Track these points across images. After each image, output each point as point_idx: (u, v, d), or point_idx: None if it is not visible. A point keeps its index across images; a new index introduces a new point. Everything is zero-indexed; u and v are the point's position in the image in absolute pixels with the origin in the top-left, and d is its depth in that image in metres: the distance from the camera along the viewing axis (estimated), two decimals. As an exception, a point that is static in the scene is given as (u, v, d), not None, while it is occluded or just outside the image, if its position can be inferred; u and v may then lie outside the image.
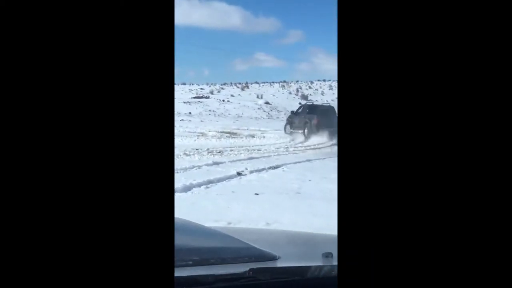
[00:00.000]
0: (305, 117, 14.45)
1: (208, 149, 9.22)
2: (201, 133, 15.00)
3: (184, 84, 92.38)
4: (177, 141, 11.11)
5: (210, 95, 69.61)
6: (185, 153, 8.29)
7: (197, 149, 9.06)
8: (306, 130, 13.95)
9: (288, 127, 15.32)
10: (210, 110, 49.91)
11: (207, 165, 6.84)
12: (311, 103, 16.70)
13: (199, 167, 6.61)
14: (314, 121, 13.89)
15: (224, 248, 1.03)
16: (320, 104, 16.44)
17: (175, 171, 5.96)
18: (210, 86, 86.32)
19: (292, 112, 16.03)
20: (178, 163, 6.84)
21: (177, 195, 4.53)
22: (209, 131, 15.97)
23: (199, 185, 5.12)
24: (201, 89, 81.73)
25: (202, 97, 64.21)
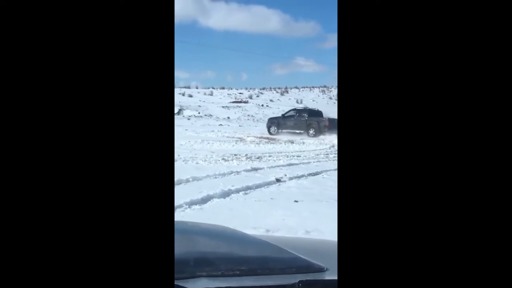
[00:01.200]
0: (308, 119, 16.72)
1: (246, 154, 9.28)
2: (239, 138, 15.13)
3: (223, 88, 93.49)
4: (216, 146, 11.27)
5: (249, 100, 70.12)
6: (223, 158, 8.38)
7: (235, 155, 9.13)
8: (311, 131, 16.23)
9: (273, 128, 17.31)
10: (249, 115, 50.25)
11: (246, 170, 6.88)
12: (302, 107, 19.30)
13: (238, 172, 6.66)
14: (325, 123, 15.95)
15: (272, 258, 1.02)
16: (310, 108, 19.33)
17: (214, 176, 6.04)
18: (249, 91, 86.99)
19: (284, 115, 18.11)
20: (216, 168, 6.93)
21: (215, 201, 4.58)
22: (248, 136, 16.07)
23: (238, 191, 5.15)
24: (240, 93, 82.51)
25: (240, 102, 64.79)
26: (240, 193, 5.09)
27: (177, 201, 4.40)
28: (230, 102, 62.56)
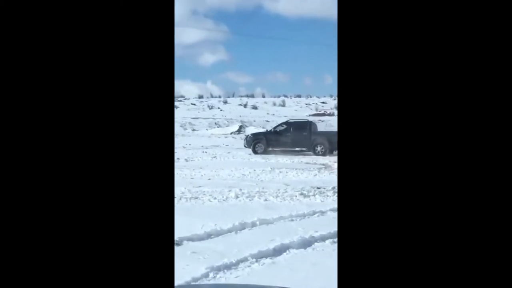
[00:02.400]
0: (312, 134, 18.85)
1: (334, 187, 9.21)
2: (323, 164, 15.08)
3: (299, 96, 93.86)
4: (291, 176, 11.28)
5: (335, 112, 69.83)
6: (302, 193, 8.37)
7: (318, 188, 9.10)
8: (319, 148, 18.29)
9: (260, 145, 18.93)
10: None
11: (333, 210, 6.83)
12: (293, 120, 20.99)
13: (323, 213, 6.63)
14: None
15: None
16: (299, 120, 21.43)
17: (290, 219, 6.07)
18: (334, 99, 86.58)
19: (275, 130, 19.97)
20: (294, 207, 6.96)
21: (293, 252, 4.60)
22: (335, 162, 15.97)
23: (324, 238, 5.12)
24: (323, 103, 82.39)
25: (324, 115, 64.71)
26: (327, 241, 5.04)
27: (240, 253, 4.49)
28: (310, 115, 62.79)
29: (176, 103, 53.14)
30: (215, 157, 16.95)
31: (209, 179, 10.39)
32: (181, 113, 45.05)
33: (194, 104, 53.79)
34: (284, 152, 18.48)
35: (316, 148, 18.39)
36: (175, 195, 7.88)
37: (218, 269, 4.13)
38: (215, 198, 7.73)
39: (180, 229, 5.46)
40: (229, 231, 5.50)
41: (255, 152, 18.55)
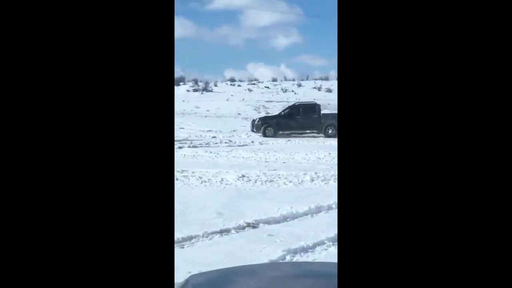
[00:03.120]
0: (323, 116, 19.25)
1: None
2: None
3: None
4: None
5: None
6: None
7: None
8: (330, 131, 18.59)
9: (270, 129, 19.00)
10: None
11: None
12: (300, 102, 21.72)
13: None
14: None
15: None
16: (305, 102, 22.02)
17: None
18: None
19: (284, 113, 20.23)
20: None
21: None
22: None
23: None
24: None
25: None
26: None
27: (317, 236, 4.48)
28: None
29: (250, 87, 53.39)
30: (289, 140, 16.97)
31: (284, 162, 10.43)
32: (255, 96, 45.25)
33: (268, 87, 53.83)
34: (294, 135, 18.61)
35: (327, 130, 18.79)
36: (250, 178, 7.99)
37: (295, 251, 4.16)
38: (290, 181, 7.76)
39: (256, 212, 5.53)
40: (305, 214, 5.51)
41: (265, 135, 18.86)
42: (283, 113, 20.27)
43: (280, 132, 18.98)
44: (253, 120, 20.57)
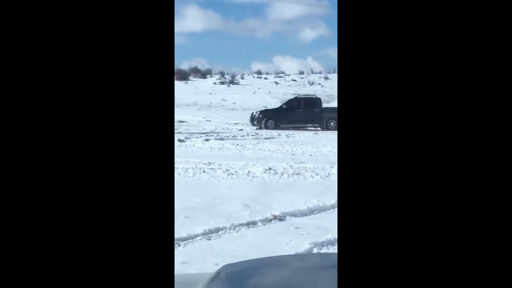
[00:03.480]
0: (324, 110, 19.58)
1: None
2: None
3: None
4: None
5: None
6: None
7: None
8: (332, 123, 18.60)
9: (271, 122, 19.18)
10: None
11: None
12: (301, 96, 22.13)
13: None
14: None
15: None
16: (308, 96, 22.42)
17: None
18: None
19: (285, 106, 20.72)
20: None
21: None
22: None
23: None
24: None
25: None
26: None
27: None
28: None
29: (276, 79, 53.36)
30: (316, 133, 16.92)
31: (311, 155, 10.40)
32: (281, 89, 45.24)
33: (295, 80, 53.80)
34: (296, 129, 18.66)
35: (329, 123, 19.01)
36: (277, 170, 8.00)
37: (322, 244, 4.15)
38: (317, 174, 7.74)
39: (283, 205, 5.53)
40: (332, 207, 5.49)
41: (266, 127, 18.96)
42: (284, 106, 20.46)
43: (282, 126, 19.17)
44: (253, 113, 20.52)
